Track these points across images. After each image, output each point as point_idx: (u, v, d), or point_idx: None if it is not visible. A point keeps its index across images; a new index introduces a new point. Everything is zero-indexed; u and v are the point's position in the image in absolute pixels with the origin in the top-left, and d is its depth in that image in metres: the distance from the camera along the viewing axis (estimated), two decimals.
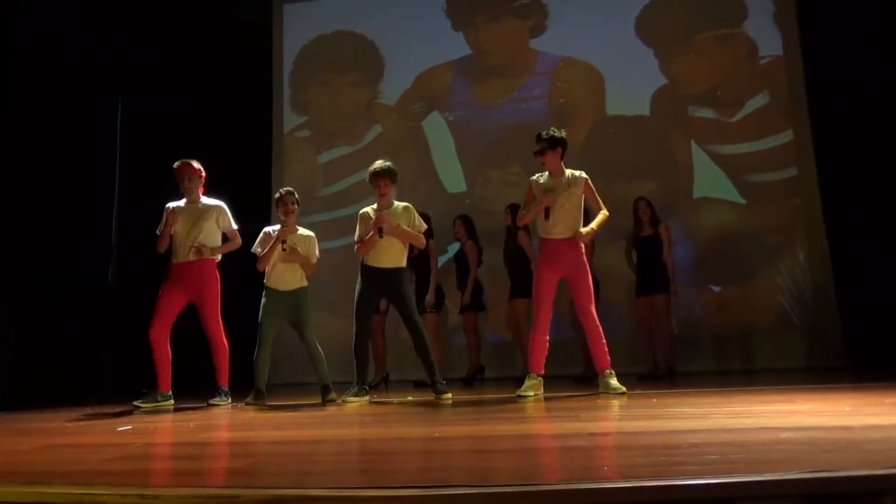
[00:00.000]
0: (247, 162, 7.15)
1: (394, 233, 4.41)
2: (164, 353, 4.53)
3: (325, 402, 4.43)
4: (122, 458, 2.28)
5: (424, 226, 4.59)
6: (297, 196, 4.73)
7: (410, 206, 4.57)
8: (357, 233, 4.55)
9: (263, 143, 7.65)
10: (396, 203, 4.54)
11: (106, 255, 5.26)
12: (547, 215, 4.32)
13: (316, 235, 4.79)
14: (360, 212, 4.61)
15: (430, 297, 5.85)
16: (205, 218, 4.64)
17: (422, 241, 4.56)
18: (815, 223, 6.54)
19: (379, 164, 4.51)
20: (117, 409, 4.30)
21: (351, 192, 7.47)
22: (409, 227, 4.48)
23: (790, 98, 6.84)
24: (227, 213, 4.74)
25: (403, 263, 4.53)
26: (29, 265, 4.75)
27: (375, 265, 4.47)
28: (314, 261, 4.69)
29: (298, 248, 4.60)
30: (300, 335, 4.61)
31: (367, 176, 4.55)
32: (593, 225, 4.35)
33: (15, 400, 4.49)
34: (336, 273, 6.68)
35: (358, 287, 4.52)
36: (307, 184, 7.47)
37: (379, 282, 4.47)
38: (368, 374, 4.69)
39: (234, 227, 4.75)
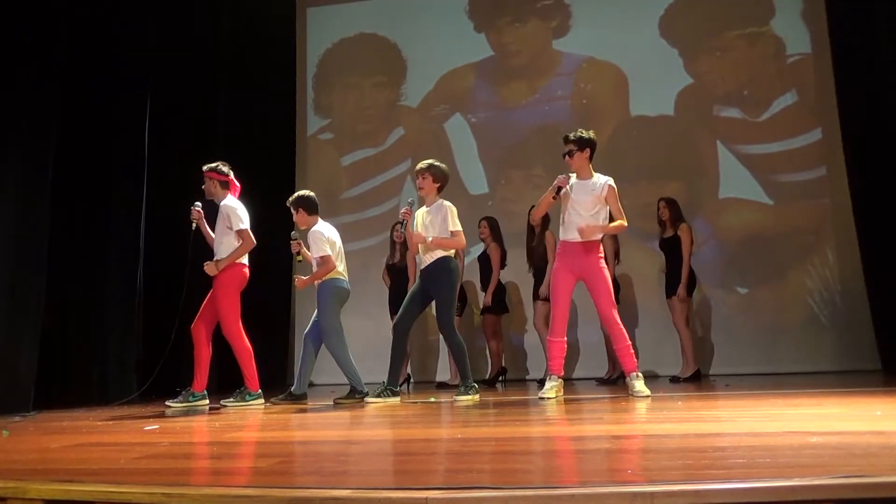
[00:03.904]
0: (270, 165, 7.20)
1: (431, 247, 4.50)
2: (202, 351, 4.50)
3: (337, 402, 4.45)
4: (150, 458, 2.32)
5: (455, 227, 4.50)
6: (292, 198, 4.74)
7: (446, 206, 4.54)
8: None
9: (286, 145, 7.70)
10: (438, 203, 4.59)
11: (135, 255, 5.34)
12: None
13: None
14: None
15: None
16: (220, 219, 4.66)
17: (455, 245, 4.54)
18: (845, 223, 6.40)
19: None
20: (145, 409, 4.37)
21: (373, 194, 7.50)
22: (430, 224, 4.51)
23: (819, 96, 6.72)
24: (235, 212, 4.75)
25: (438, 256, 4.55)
26: (58, 265, 4.83)
27: (422, 266, 4.59)
28: (317, 256, 4.61)
29: (305, 251, 4.71)
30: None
31: None
32: (602, 225, 4.30)
33: (46, 399, 4.57)
34: (359, 274, 6.71)
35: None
36: (330, 186, 7.51)
37: (424, 280, 4.56)
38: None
39: (243, 226, 4.60)
